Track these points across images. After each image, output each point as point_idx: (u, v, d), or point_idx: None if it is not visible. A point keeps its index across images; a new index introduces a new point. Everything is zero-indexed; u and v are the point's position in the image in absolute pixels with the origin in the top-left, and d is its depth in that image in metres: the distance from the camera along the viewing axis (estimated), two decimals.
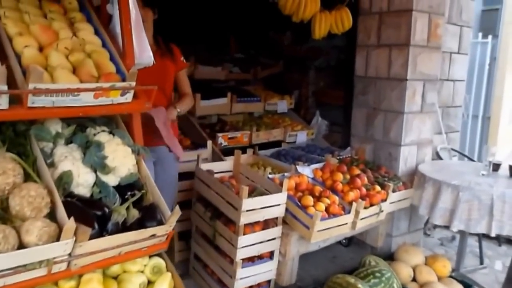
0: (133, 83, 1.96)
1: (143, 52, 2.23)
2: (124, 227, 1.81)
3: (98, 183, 1.90)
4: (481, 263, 3.99)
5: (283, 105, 4.57)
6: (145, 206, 1.93)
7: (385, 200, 3.38)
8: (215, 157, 3.78)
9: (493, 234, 3.21)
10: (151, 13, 2.92)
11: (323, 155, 4.02)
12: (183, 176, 3.61)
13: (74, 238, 1.60)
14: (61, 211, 1.66)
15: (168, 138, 2.85)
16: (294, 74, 5.16)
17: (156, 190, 1.99)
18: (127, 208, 1.85)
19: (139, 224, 1.84)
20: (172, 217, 1.87)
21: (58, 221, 1.66)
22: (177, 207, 1.87)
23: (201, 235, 3.32)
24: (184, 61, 3.23)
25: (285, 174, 3.45)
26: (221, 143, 3.85)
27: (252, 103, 4.39)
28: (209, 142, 3.76)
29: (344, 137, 4.36)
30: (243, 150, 3.97)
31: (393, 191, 3.47)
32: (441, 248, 4.34)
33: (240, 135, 3.97)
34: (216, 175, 3.37)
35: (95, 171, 1.91)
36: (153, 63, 2.34)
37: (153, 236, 1.85)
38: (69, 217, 1.59)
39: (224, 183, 3.13)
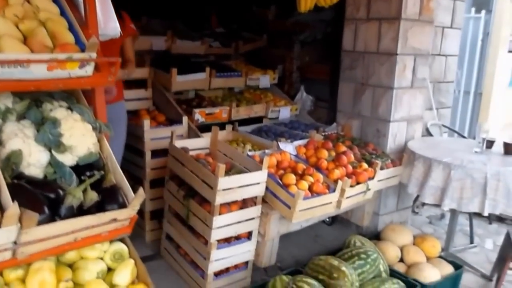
0: (94, 54, 1.72)
1: (109, 22, 1.98)
2: (80, 211, 1.62)
3: (52, 163, 1.71)
4: (471, 242, 3.84)
5: (265, 80, 4.32)
6: (106, 188, 1.72)
7: (373, 178, 3.19)
8: (192, 134, 3.53)
9: (485, 214, 3.04)
10: None
11: (307, 131, 3.81)
12: (156, 153, 3.40)
13: (19, 225, 1.42)
14: (5, 195, 1.48)
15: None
16: (279, 49, 4.90)
17: (119, 170, 1.77)
18: (85, 191, 1.64)
19: (99, 208, 1.65)
20: (135, 200, 1.65)
21: (3, 206, 1.48)
22: (141, 189, 1.67)
23: (174, 215, 3.10)
24: (134, 27, 3.33)
25: (266, 151, 3.23)
26: (198, 119, 3.60)
27: (232, 78, 4.12)
28: (185, 118, 3.52)
29: (330, 113, 4.14)
30: (222, 126, 3.75)
31: (381, 168, 3.28)
32: (430, 226, 4.17)
33: (219, 111, 3.72)
34: (191, 153, 3.14)
35: (50, 150, 1.71)
36: (120, 34, 2.09)
37: (114, 220, 1.64)
38: (14, 201, 1.41)
39: (199, 160, 2.90)
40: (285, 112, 4.15)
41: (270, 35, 5.04)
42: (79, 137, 1.71)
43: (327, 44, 4.41)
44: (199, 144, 3.25)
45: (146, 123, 3.35)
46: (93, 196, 1.64)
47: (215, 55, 4.70)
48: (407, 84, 3.64)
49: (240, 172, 2.82)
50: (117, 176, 1.76)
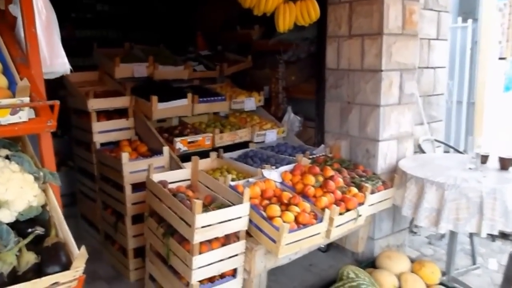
0: (26, 99, 1.56)
1: (56, 59, 1.84)
2: (14, 277, 1.42)
3: None
4: (474, 262, 3.66)
5: (250, 102, 4.19)
6: (47, 248, 1.53)
7: (363, 203, 3.03)
8: (173, 165, 3.39)
9: (483, 235, 2.89)
10: None
11: (294, 154, 3.66)
12: (138, 187, 3.26)
13: None
14: None
15: None
16: (264, 69, 4.79)
17: (64, 224, 1.60)
18: (20, 252, 1.46)
19: (37, 271, 1.46)
20: (77, 261, 1.48)
21: None
22: (83, 248, 1.49)
23: (155, 254, 2.94)
24: None
25: (250, 179, 3.08)
26: (179, 149, 3.46)
27: (216, 102, 4.00)
28: (166, 148, 3.38)
29: (318, 134, 4.00)
30: (207, 154, 3.62)
31: (372, 192, 3.12)
32: (430, 247, 4.00)
33: (201, 138, 3.58)
34: (172, 185, 3.00)
35: None
36: (71, 71, 1.96)
37: (56, 284, 1.46)
38: None
39: (178, 195, 2.75)
40: (271, 136, 4.01)
41: (255, 55, 4.93)
42: (17, 190, 1.56)
43: (312, 62, 4.29)
44: (179, 176, 3.11)
45: (125, 156, 3.22)
46: (30, 258, 1.47)
47: (200, 79, 4.58)
48: (394, 101, 3.50)
49: (221, 206, 2.66)
50: (63, 230, 1.59)
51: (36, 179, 1.60)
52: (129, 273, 3.36)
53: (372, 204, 3.15)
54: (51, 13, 1.84)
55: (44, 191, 1.64)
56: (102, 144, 3.68)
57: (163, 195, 2.76)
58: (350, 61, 3.60)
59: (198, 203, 2.42)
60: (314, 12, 3.42)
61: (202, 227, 2.47)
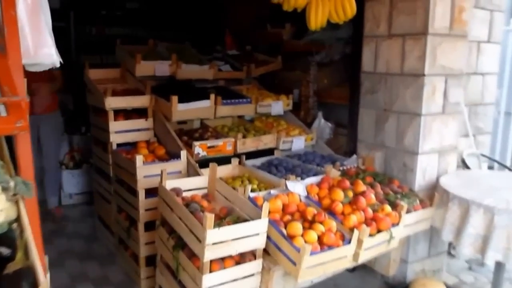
0: None
1: (41, 48, 1.59)
2: None
3: None
4: None
5: (278, 106, 3.90)
6: (7, 275, 1.27)
7: (397, 224, 2.69)
8: (191, 170, 3.15)
9: None
10: None
11: (323, 165, 3.35)
12: (152, 192, 3.02)
13: None
14: None
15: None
16: (295, 71, 4.49)
17: (33, 245, 1.34)
18: None
19: None
20: None
21: None
22: (48, 276, 1.23)
23: (165, 266, 2.71)
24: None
25: (272, 191, 2.80)
26: (198, 153, 3.21)
27: (241, 105, 3.73)
28: (183, 152, 3.14)
29: (350, 143, 3.67)
30: (228, 160, 3.36)
31: (408, 211, 2.78)
32: (470, 273, 3.59)
33: (222, 143, 3.31)
34: (186, 193, 2.75)
35: None
36: (60, 63, 1.72)
37: None
38: None
39: (191, 205, 2.50)
40: (298, 143, 3.70)
41: (285, 56, 4.64)
42: None
43: (346, 65, 3.96)
44: (195, 183, 2.86)
45: (139, 159, 3.00)
46: None
47: (226, 80, 4.33)
48: (437, 110, 3.15)
49: (236, 220, 2.39)
50: (32, 252, 1.33)
51: (4, 189, 1.35)
52: (141, 281, 3.16)
53: (407, 225, 2.81)
54: None
55: (17, 203, 1.39)
56: (119, 145, 3.49)
57: (174, 204, 2.51)
58: (388, 64, 3.27)
59: (209, 217, 2.15)
60: (350, 8, 3.10)
61: (214, 243, 2.21)
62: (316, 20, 3.01)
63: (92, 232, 4.18)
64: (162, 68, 3.84)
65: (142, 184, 3.03)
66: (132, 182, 3.11)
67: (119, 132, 3.47)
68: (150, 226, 3.08)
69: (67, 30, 6.71)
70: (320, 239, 2.42)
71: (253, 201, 2.64)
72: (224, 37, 5.26)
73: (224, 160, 3.31)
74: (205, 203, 2.62)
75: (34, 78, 3.57)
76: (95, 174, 4.05)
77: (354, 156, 3.50)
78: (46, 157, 4.38)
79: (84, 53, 6.93)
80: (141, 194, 3.01)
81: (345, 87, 3.88)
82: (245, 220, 2.40)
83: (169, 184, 2.71)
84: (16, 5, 1.42)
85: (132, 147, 3.50)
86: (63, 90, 4.51)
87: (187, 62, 4.00)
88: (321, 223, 2.51)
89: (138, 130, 3.54)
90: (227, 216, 2.46)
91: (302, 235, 2.40)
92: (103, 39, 6.72)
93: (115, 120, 3.45)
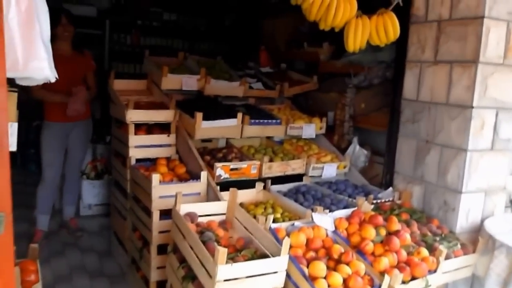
0: None
1: (31, 61, 1.41)
2: None
3: None
4: None
5: (310, 129, 3.65)
6: None
7: (435, 271, 2.39)
8: (211, 193, 2.94)
9: None
10: (73, 28, 3.89)
11: (355, 196, 3.08)
12: (168, 213, 2.81)
13: None
14: None
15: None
16: (330, 93, 4.24)
17: None
18: None
19: None
20: None
21: None
22: None
23: None
24: (93, 63, 4.16)
25: (295, 223, 2.54)
26: (220, 175, 2.99)
27: (270, 126, 3.51)
28: (204, 173, 2.94)
29: (387, 174, 3.38)
30: (253, 184, 3.13)
31: (447, 257, 2.47)
32: None
33: (247, 166, 3.09)
34: (203, 219, 2.53)
35: None
36: (56, 79, 1.54)
37: None
38: None
39: (205, 233, 2.28)
40: (330, 170, 3.44)
41: (322, 77, 4.41)
42: None
43: (386, 90, 3.69)
44: (213, 209, 2.64)
45: (155, 178, 2.81)
46: None
47: (256, 98, 4.12)
48: (485, 146, 2.84)
49: (253, 255, 2.16)
50: None
51: None
52: None
53: (446, 272, 2.50)
54: (37, 5, 1.43)
55: None
56: (139, 160, 3.32)
57: (186, 231, 2.30)
58: (433, 92, 2.99)
59: (222, 252, 1.92)
60: (393, 31, 2.84)
61: (225, 280, 1.97)
62: (355, 42, 2.77)
63: (107, 248, 4.01)
64: (189, 82, 3.67)
65: (157, 204, 2.83)
66: (147, 201, 2.92)
67: (139, 146, 3.30)
68: (163, 249, 2.86)
69: (102, 38, 6.72)
70: (345, 283, 2.15)
71: (274, 233, 2.40)
72: (259, 53, 5.08)
73: (248, 184, 3.09)
74: (221, 232, 2.40)
75: (74, 82, 3.84)
76: (113, 187, 3.90)
77: (390, 189, 3.22)
78: (69, 165, 4.21)
79: (118, 61, 6.94)
80: (155, 215, 2.81)
81: (384, 113, 3.61)
82: (263, 255, 2.16)
83: (184, 208, 2.50)
84: (5, 13, 1.25)
85: (152, 163, 3.33)
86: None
87: (217, 78, 3.83)
88: (347, 264, 2.24)
89: (160, 146, 3.37)
90: (244, 249, 2.23)
91: (325, 277, 2.13)
92: (137, 49, 6.72)
93: (136, 134, 3.29)
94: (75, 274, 3.51)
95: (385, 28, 2.86)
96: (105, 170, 4.82)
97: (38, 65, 1.42)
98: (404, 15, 3.06)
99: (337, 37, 3.06)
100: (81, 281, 3.42)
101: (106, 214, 4.67)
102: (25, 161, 6.05)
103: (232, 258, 2.09)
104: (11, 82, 1.42)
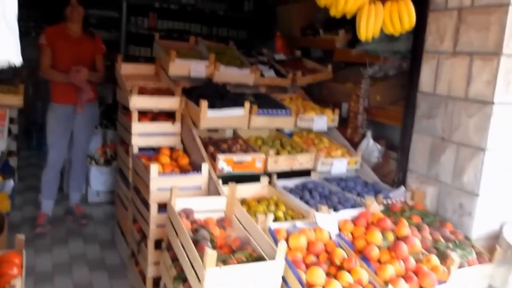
0: None
1: None
2: None
3: None
4: None
5: (321, 121, 3.48)
6: None
7: (445, 282, 2.21)
8: (212, 187, 2.81)
9: None
10: (83, 9, 3.83)
11: (364, 194, 2.91)
12: (165, 207, 2.70)
13: None
14: None
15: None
16: (346, 83, 4.04)
17: None
18: None
19: None
20: None
21: None
22: None
23: None
24: (103, 47, 4.09)
25: (297, 223, 2.39)
26: (222, 168, 2.85)
27: (279, 116, 3.34)
28: (205, 166, 2.81)
29: (399, 171, 3.19)
30: (259, 177, 2.99)
31: (461, 266, 2.29)
32: None
33: (251, 160, 2.94)
34: (200, 216, 2.41)
35: None
36: (20, 63, 1.42)
37: None
38: None
39: (199, 231, 2.16)
40: (340, 166, 3.27)
41: (337, 66, 4.21)
42: None
43: (402, 82, 3.48)
44: (211, 205, 2.51)
45: (153, 168, 2.70)
46: None
47: (268, 87, 3.96)
48: (507, 145, 2.62)
49: (248, 257, 2.02)
50: None
51: None
52: None
53: (458, 283, 2.32)
54: None
55: None
56: (142, 149, 3.22)
57: (179, 229, 2.18)
58: (451, 85, 2.78)
59: (210, 254, 1.79)
60: (408, 18, 2.61)
61: (215, 284, 1.85)
62: (367, 30, 2.57)
63: (111, 237, 3.94)
64: (198, 68, 3.54)
65: (155, 196, 2.73)
66: (145, 193, 2.82)
67: (142, 134, 3.20)
68: (161, 244, 2.77)
69: (119, 21, 6.61)
70: None
71: (273, 233, 2.27)
72: (274, 39, 4.90)
73: (254, 178, 2.96)
74: (217, 231, 2.27)
75: (81, 64, 3.79)
76: (117, 175, 3.82)
77: (402, 188, 3.03)
78: (75, 150, 4.13)
79: (135, 45, 6.84)
80: (153, 208, 2.70)
81: (400, 106, 3.40)
82: (259, 258, 2.03)
83: (180, 203, 2.38)
84: None
85: (155, 152, 3.22)
86: (103, 82, 4.30)
87: (227, 64, 3.69)
88: (349, 271, 2.09)
89: (164, 134, 3.26)
90: (239, 250, 2.10)
91: (323, 286, 1.99)
92: (155, 33, 6.59)
93: (139, 121, 3.18)
94: (75, 264, 3.45)
95: (400, 16, 2.63)
96: (114, 156, 4.74)
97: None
98: (422, 2, 2.84)
99: (354, 24, 2.87)
100: (79, 272, 3.36)
101: (113, 202, 4.61)
102: (41, 143, 6.04)
103: (224, 260, 1.96)
104: None
